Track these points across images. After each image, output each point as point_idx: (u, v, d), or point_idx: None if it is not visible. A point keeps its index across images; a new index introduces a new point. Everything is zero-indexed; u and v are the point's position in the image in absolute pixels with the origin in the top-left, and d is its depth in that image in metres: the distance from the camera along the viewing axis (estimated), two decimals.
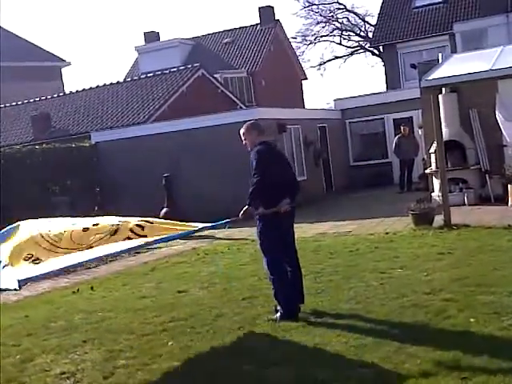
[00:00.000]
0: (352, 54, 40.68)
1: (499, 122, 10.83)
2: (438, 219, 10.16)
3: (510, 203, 11.45)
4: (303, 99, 33.49)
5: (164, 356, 5.06)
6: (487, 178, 12.43)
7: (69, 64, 33.25)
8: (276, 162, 5.77)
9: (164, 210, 13.30)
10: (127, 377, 4.69)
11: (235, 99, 22.55)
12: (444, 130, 11.68)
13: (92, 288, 8.36)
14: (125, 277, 9.13)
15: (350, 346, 4.74)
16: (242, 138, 5.92)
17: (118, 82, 21.94)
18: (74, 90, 22.97)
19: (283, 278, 5.68)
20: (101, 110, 19.59)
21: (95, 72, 78.27)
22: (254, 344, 5.05)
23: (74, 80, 64.53)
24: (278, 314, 5.65)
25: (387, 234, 10.03)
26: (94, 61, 78.43)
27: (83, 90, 22.17)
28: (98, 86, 21.87)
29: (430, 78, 10.32)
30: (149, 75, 21.53)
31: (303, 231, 10.48)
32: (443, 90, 12.47)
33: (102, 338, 5.82)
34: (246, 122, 14.50)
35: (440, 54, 14.00)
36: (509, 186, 11.59)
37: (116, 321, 6.46)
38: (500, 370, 3.93)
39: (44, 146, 15.84)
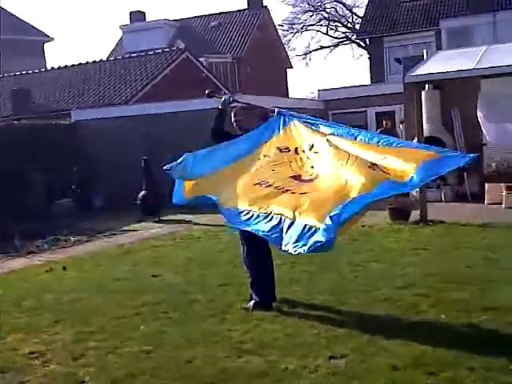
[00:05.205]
0: (338, 44, 40.60)
1: (480, 121, 10.92)
2: (415, 214, 10.24)
3: (486, 201, 11.60)
4: (287, 88, 33.44)
5: (135, 340, 5.03)
6: (465, 175, 12.56)
7: (52, 39, 32.72)
8: None
9: (142, 192, 13.20)
10: (97, 359, 4.67)
11: (219, 84, 22.41)
12: (425, 126, 11.76)
13: (65, 268, 8.28)
14: (99, 258, 9.07)
15: (322, 336, 4.76)
16: (236, 119, 5.84)
17: (101, 61, 21.68)
18: (56, 66, 22.63)
19: (260, 266, 5.68)
20: (82, 89, 19.34)
21: (78, 49, 77.22)
22: (226, 332, 5.04)
23: (56, 56, 63.64)
24: (252, 303, 5.66)
25: (364, 226, 10.06)
26: (78, 37, 77.37)
27: (65, 66, 21.86)
28: (80, 64, 21.56)
29: (413, 73, 10.37)
30: (133, 55, 21.30)
31: None
32: (426, 86, 12.53)
33: (74, 319, 5.78)
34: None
35: (425, 50, 14.06)
36: (486, 184, 11.73)
37: (88, 302, 6.42)
38: (467, 366, 3.98)
39: (23, 121, 15.58)
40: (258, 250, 5.71)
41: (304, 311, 5.49)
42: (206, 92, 6.28)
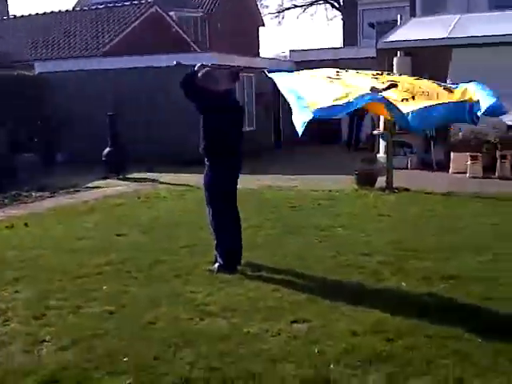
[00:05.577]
0: (312, 4, 40.10)
1: None
2: (381, 181, 10.33)
3: (451, 170, 11.77)
4: (259, 46, 32.99)
5: (97, 300, 5.00)
6: (431, 143, 12.68)
7: None
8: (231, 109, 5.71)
9: (107, 149, 12.97)
10: (58, 319, 4.62)
11: (189, 41, 21.95)
12: None
13: (26, 224, 8.13)
14: (62, 215, 8.93)
15: (285, 301, 4.80)
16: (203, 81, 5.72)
17: (67, 11, 20.94)
18: (18, 15, 21.78)
19: (226, 229, 5.67)
20: (47, 39, 18.71)
21: None
22: (190, 293, 5.04)
23: (18, 3, 61.15)
24: (217, 265, 5.67)
25: (330, 191, 10.15)
26: None
27: (29, 15, 21.06)
28: (45, 13, 20.80)
29: (386, 40, 10.32)
30: (100, 7, 20.61)
31: (248, 182, 10.42)
32: (398, 52, 12.48)
33: (35, 277, 5.70)
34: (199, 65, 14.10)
35: (399, 16, 13.99)
36: (451, 153, 11.88)
37: (50, 260, 6.33)
38: (426, 334, 4.06)
39: None
40: (224, 213, 5.69)
41: (268, 275, 5.51)
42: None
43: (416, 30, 11.01)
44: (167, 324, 4.41)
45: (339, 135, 18.98)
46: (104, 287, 5.34)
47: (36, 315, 4.70)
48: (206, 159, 5.69)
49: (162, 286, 5.31)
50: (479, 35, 9.74)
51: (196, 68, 5.71)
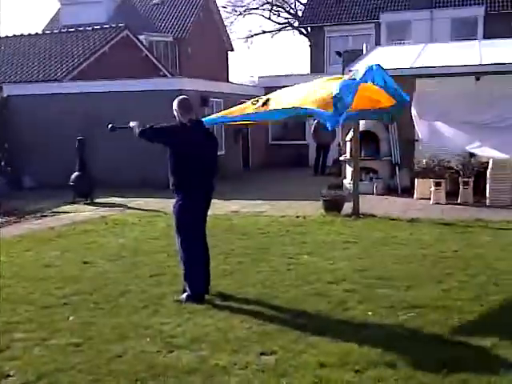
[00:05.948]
0: (280, 30, 40.72)
1: (414, 119, 11.25)
2: (348, 207, 10.48)
3: (415, 196, 12.00)
4: (228, 71, 33.28)
5: (63, 331, 4.96)
6: (397, 169, 12.94)
7: None
8: (197, 143, 5.68)
9: (75, 173, 12.88)
10: (23, 351, 4.56)
11: (159, 65, 22.04)
12: (361, 120, 12.00)
13: None
14: (28, 241, 8.82)
15: (253, 332, 4.83)
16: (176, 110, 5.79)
17: (36, 34, 20.87)
18: None
19: (194, 259, 5.69)
20: (16, 62, 18.55)
21: (13, 18, 73.87)
22: (158, 325, 5.03)
23: None
24: (185, 295, 5.67)
25: (298, 217, 10.25)
26: (13, 6, 73.95)
27: None
28: (14, 36, 20.68)
29: (353, 68, 10.54)
30: (70, 30, 20.58)
31: (217, 208, 10.40)
32: None
33: (0, 308, 5.62)
34: (168, 90, 14.26)
35: (365, 44, 14.32)
36: (416, 179, 12.13)
37: (16, 290, 6.25)
38: (392, 364, 4.13)
39: None
40: (193, 242, 5.71)
41: (236, 305, 5.54)
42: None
43: (381, 59, 11.25)
44: (135, 357, 4.39)
45: (306, 159, 19.21)
46: (70, 318, 5.30)
47: (1, 348, 4.64)
48: (173, 187, 5.71)
49: (130, 317, 5.28)
50: (441, 65, 10.04)
51: (134, 128, 5.81)
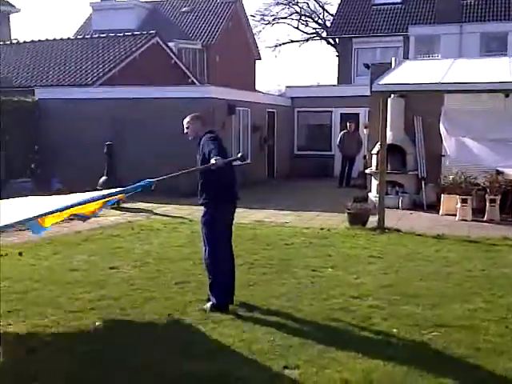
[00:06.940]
0: (308, 40, 40.86)
1: (442, 133, 11.20)
2: (372, 220, 10.45)
3: (441, 212, 11.91)
4: (255, 79, 33.44)
5: (90, 338, 5.02)
6: (423, 184, 12.87)
7: (18, 11, 31.74)
8: (224, 152, 5.78)
9: (103, 178, 13.05)
10: (50, 355, 4.64)
11: (187, 72, 22.23)
12: (388, 133, 11.97)
13: (21, 254, 8.17)
14: (56, 245, 8.95)
15: (277, 344, 4.84)
16: (185, 127, 5.90)
17: (68, 39, 21.20)
18: (21, 40, 22.02)
19: (222, 269, 5.73)
20: (48, 66, 18.87)
21: (46, 23, 75.17)
22: (181, 334, 5.08)
23: (22, 28, 61.79)
24: (209, 304, 5.71)
25: (322, 229, 10.24)
26: (46, 11, 75.27)
27: (32, 41, 21.28)
28: (47, 40, 21.03)
29: (381, 82, 10.53)
30: (102, 35, 20.88)
31: (241, 217, 10.49)
32: (392, 94, 12.73)
33: (28, 310, 5.73)
34: (196, 98, 14.39)
35: (393, 58, 14.29)
36: (442, 195, 12.04)
37: (43, 293, 6.35)
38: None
39: None
40: (221, 252, 5.75)
41: (260, 316, 5.56)
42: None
43: (410, 74, 11.24)
44: (158, 366, 4.43)
45: (332, 171, 19.19)
46: (97, 323, 5.37)
47: (28, 351, 4.72)
48: (203, 200, 5.76)
49: (154, 324, 5.34)
50: (471, 81, 9.96)
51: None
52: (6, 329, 5.23)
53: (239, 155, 5.64)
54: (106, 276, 7.07)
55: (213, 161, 5.22)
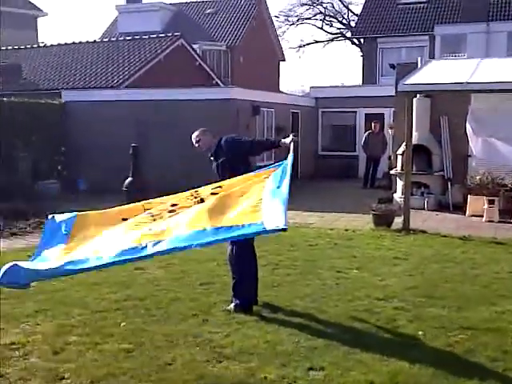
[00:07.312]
0: (332, 40, 40.70)
1: (468, 133, 11.05)
2: (398, 221, 10.36)
3: (467, 213, 11.76)
4: (279, 80, 33.41)
5: (116, 337, 5.08)
6: (449, 185, 12.72)
7: (45, 14, 32.28)
8: None
9: (128, 179, 13.16)
10: (77, 355, 4.70)
11: (212, 73, 22.33)
12: (414, 133, 11.86)
13: None
14: None
15: (301, 346, 4.84)
16: (195, 141, 5.97)
17: (94, 41, 21.46)
18: (48, 43, 22.36)
19: (246, 270, 5.75)
20: (74, 68, 19.13)
21: (72, 26, 76.21)
22: (206, 334, 5.10)
23: (48, 32, 62.76)
24: (233, 305, 5.73)
25: (347, 230, 10.19)
26: (72, 14, 76.33)
27: (58, 44, 21.61)
28: (73, 43, 21.33)
29: (406, 82, 10.44)
30: (127, 38, 21.11)
31: None
32: (418, 94, 12.62)
33: (55, 310, 5.82)
34: (220, 100, 14.48)
35: (419, 58, 14.16)
36: (468, 195, 11.89)
37: (70, 293, 6.44)
38: None
39: (12, 98, 15.41)
40: (246, 252, 5.76)
41: (285, 317, 5.56)
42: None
43: (436, 74, 11.12)
44: (184, 366, 4.46)
45: (356, 172, 19.08)
46: (122, 324, 5.42)
47: (56, 350, 4.80)
48: None
49: (180, 325, 5.38)
50: (497, 81, 9.82)
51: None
52: (34, 328, 5.32)
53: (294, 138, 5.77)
54: (132, 277, 7.13)
55: (290, 138, 5.66)
